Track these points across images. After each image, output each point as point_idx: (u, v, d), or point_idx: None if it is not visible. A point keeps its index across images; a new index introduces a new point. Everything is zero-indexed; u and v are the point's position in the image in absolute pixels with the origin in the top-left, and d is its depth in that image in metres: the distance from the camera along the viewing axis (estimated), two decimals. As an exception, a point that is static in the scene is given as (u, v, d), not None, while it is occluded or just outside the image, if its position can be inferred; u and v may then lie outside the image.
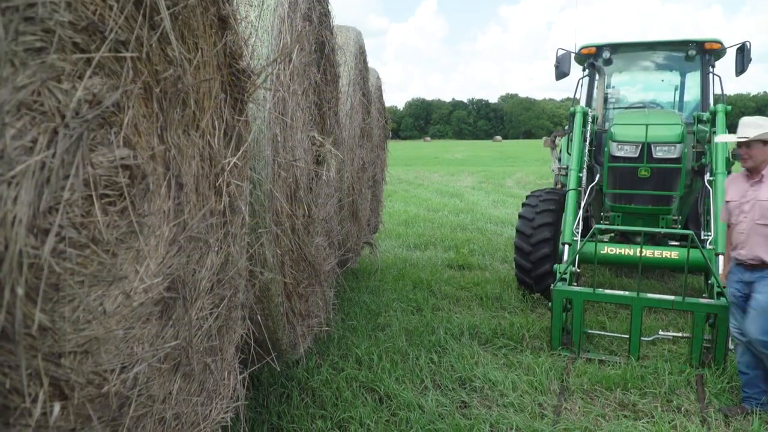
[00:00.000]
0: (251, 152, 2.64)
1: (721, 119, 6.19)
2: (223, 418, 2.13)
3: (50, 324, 1.28)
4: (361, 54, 6.35)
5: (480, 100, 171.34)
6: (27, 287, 1.21)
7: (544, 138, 12.16)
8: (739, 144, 4.20)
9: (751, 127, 4.17)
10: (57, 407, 1.28)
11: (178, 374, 1.89)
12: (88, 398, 1.40)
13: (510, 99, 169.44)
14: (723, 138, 5.12)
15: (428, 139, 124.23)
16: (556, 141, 9.27)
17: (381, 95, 8.38)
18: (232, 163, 2.26)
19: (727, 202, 4.43)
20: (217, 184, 2.21)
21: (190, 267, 1.97)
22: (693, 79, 8.07)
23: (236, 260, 2.33)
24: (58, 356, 1.31)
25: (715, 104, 6.78)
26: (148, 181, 1.72)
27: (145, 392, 1.67)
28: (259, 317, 2.74)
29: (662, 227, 6.49)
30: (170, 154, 1.87)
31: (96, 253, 1.45)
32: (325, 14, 4.29)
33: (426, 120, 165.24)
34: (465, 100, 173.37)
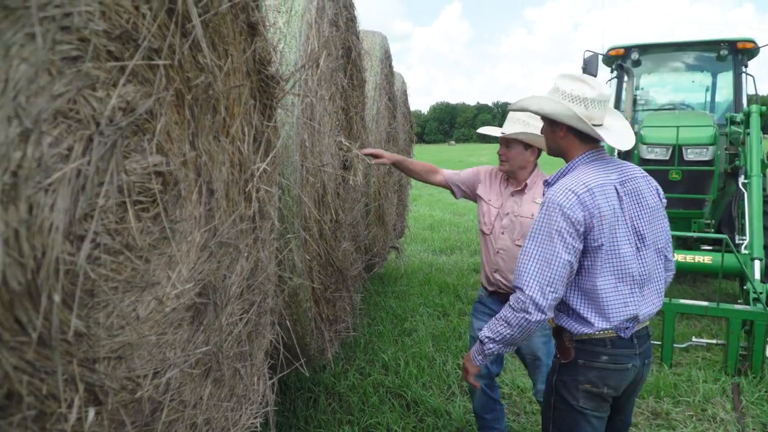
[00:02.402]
0: (280, 158, 2.65)
1: (755, 120, 6.03)
2: (252, 423, 2.14)
3: (85, 330, 1.30)
4: (386, 59, 6.36)
5: (505, 103, 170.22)
6: (63, 293, 1.22)
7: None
8: (500, 142, 3.36)
9: (515, 123, 3.29)
10: (92, 412, 1.29)
11: (208, 379, 1.89)
12: (121, 403, 1.41)
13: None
14: (484, 130, 3.78)
15: (453, 143, 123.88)
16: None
17: (406, 99, 8.38)
18: (261, 169, 2.27)
19: (480, 197, 3.50)
20: (246, 189, 2.22)
21: (220, 272, 1.98)
22: (725, 80, 7.92)
23: (265, 266, 2.34)
24: (92, 362, 1.32)
25: (748, 105, 6.63)
26: (180, 188, 1.73)
27: (176, 397, 1.67)
28: (288, 322, 2.75)
29: (694, 231, 6.36)
30: (201, 160, 1.88)
31: (130, 259, 1.46)
32: (352, 19, 4.30)
33: (450, 124, 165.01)
34: (490, 104, 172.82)
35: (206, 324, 1.87)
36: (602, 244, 2.17)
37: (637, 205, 2.28)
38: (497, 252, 3.30)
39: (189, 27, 1.74)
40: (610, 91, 2.17)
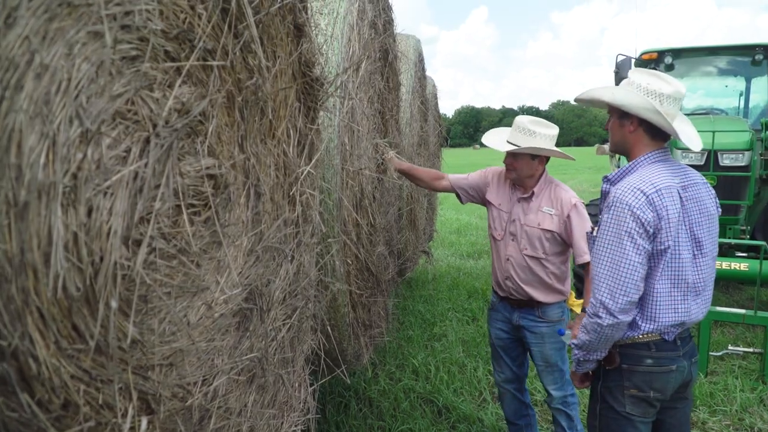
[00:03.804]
0: (321, 161, 2.61)
1: None
2: (294, 431, 2.10)
3: (139, 337, 1.27)
4: (420, 62, 6.31)
5: (531, 108, 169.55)
6: (120, 300, 1.19)
7: (597, 145, 11.85)
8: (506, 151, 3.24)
9: (522, 133, 3.15)
10: (144, 422, 1.26)
11: (253, 386, 1.86)
12: (173, 411, 1.38)
13: (561, 106, 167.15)
14: (489, 142, 3.38)
15: (477, 146, 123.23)
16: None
17: (437, 103, 8.31)
18: (305, 172, 2.23)
19: (490, 202, 3.41)
20: (290, 193, 2.18)
21: (265, 277, 1.95)
22: (759, 84, 7.78)
23: (307, 270, 2.30)
24: (146, 369, 1.29)
25: None
26: (229, 191, 1.70)
27: (223, 405, 1.64)
28: (328, 328, 2.71)
29: (730, 237, 6.22)
30: (249, 163, 1.85)
31: (183, 264, 1.43)
32: (389, 22, 4.25)
33: (475, 128, 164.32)
34: (515, 108, 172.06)
35: (251, 330, 1.84)
36: (668, 247, 2.10)
37: (698, 212, 2.20)
38: (507, 259, 3.25)
39: (241, 28, 1.71)
40: (685, 88, 2.03)
